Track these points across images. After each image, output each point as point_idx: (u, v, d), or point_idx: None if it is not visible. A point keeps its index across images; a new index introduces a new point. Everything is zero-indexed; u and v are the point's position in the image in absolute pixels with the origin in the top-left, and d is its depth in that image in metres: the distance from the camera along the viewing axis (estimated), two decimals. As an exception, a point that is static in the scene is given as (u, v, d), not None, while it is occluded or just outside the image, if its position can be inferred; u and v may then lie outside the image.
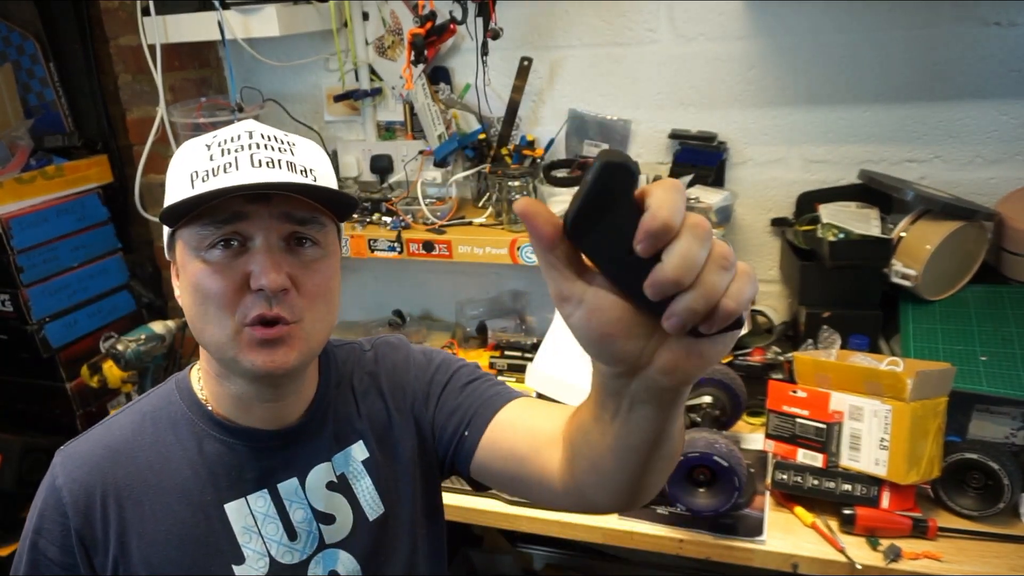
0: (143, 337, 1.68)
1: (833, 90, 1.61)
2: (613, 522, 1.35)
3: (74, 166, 1.92)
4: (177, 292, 0.82)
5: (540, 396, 1.64)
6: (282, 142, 0.79)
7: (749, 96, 1.67)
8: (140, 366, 1.68)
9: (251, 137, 0.78)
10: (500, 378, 1.02)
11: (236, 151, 0.76)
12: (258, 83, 2.02)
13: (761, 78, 1.65)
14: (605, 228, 0.41)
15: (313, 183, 0.77)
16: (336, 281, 0.84)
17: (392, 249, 1.77)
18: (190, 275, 0.77)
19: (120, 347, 1.64)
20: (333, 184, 0.82)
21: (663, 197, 0.42)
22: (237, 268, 0.75)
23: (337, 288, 0.84)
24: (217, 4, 1.66)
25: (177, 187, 0.77)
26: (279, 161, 0.77)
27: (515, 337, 1.91)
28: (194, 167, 0.76)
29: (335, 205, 0.80)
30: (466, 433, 0.89)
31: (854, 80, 1.59)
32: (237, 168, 0.75)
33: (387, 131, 1.99)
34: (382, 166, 1.94)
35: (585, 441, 0.66)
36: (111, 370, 1.68)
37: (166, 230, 0.81)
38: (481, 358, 1.89)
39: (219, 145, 0.77)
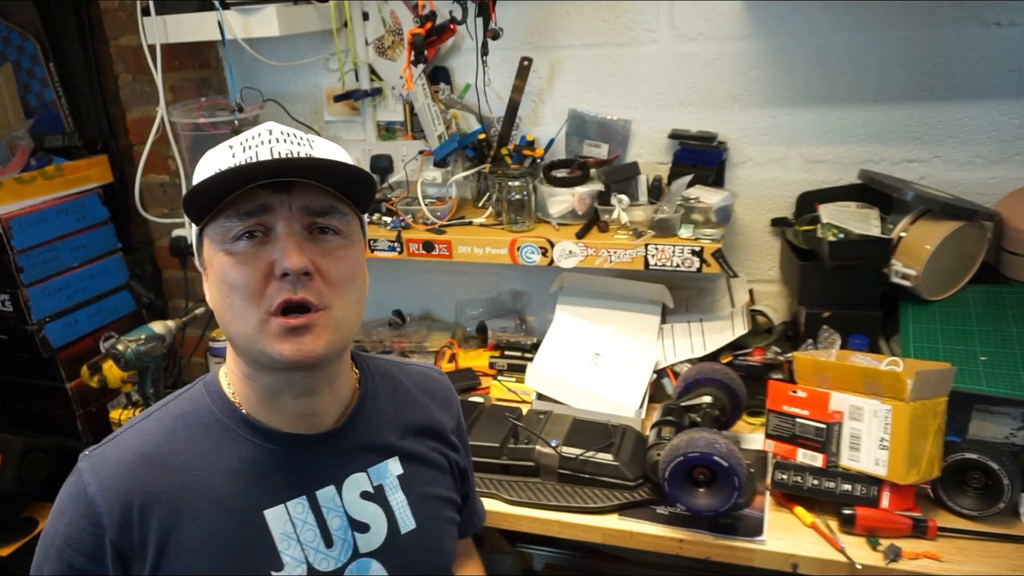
0: (143, 337, 1.67)
1: (833, 90, 1.61)
2: (613, 522, 1.35)
3: (74, 166, 1.92)
4: (208, 296, 0.83)
5: (540, 396, 1.64)
6: (301, 138, 0.82)
7: (749, 96, 1.67)
8: (140, 366, 1.68)
9: (271, 134, 0.81)
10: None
11: (257, 146, 0.79)
12: (258, 83, 2.02)
13: (761, 78, 1.65)
14: None
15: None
16: (362, 271, 0.85)
17: (392, 249, 1.77)
18: (216, 269, 0.78)
19: (120, 347, 1.64)
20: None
21: None
22: (261, 258, 0.77)
23: (364, 277, 0.86)
24: (217, 4, 1.66)
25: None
26: (298, 153, 0.79)
27: (515, 337, 1.91)
28: (218, 165, 0.79)
29: (355, 193, 0.82)
30: None
31: (854, 80, 1.59)
32: (258, 160, 0.78)
33: (387, 131, 1.99)
34: (382, 166, 1.94)
35: None
36: (111, 370, 1.68)
37: (194, 232, 0.82)
38: (481, 358, 1.89)
39: (241, 144, 0.80)
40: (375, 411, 0.93)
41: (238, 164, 0.78)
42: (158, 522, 0.79)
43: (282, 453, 0.84)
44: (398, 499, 0.91)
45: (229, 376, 0.87)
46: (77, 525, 0.78)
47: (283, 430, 0.85)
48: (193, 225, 0.82)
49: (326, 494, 0.86)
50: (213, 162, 0.80)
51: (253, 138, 0.80)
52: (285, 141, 0.80)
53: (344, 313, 0.80)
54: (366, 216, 0.91)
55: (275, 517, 0.83)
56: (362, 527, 0.88)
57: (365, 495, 0.89)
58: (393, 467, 0.92)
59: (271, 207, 0.77)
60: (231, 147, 0.80)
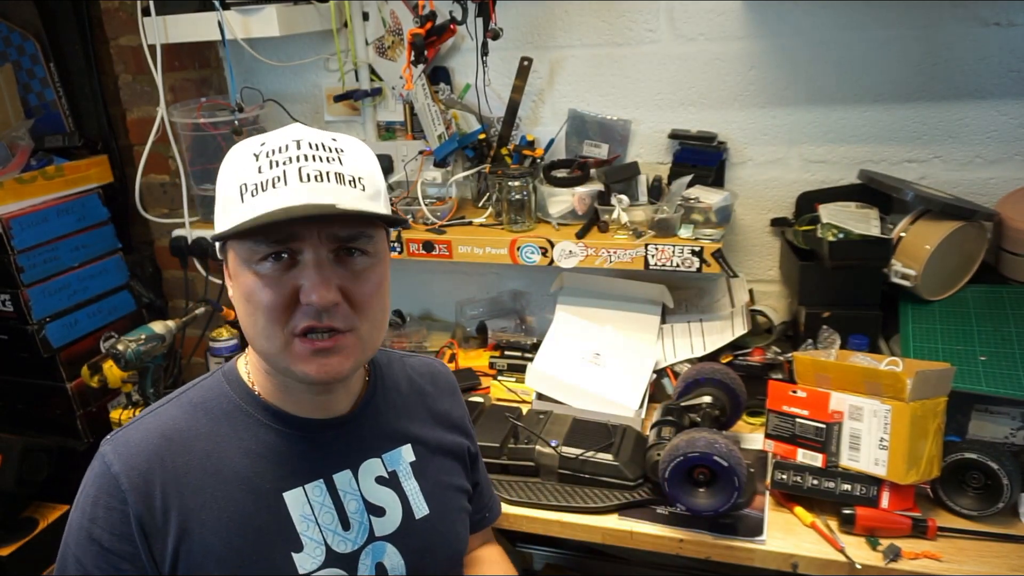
0: (143, 337, 1.67)
1: (833, 90, 1.61)
2: (613, 522, 1.35)
3: (74, 166, 1.92)
4: (230, 292, 0.84)
5: (540, 396, 1.64)
6: (330, 150, 0.80)
7: (749, 96, 1.67)
8: (140, 366, 1.68)
9: (299, 148, 0.78)
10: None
11: (284, 163, 0.77)
12: (258, 83, 2.02)
13: (761, 78, 1.65)
14: None
15: (362, 193, 0.79)
16: (386, 285, 0.86)
17: (392, 249, 1.76)
18: (242, 285, 0.79)
19: (120, 347, 1.64)
20: (381, 185, 0.85)
21: None
22: (287, 282, 0.77)
23: (388, 291, 0.87)
24: (217, 4, 1.66)
25: (228, 199, 0.79)
26: (327, 173, 0.77)
27: (515, 337, 1.91)
28: (243, 179, 0.77)
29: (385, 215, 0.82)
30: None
31: (854, 80, 1.60)
32: (286, 183, 0.75)
33: (387, 131, 1.99)
34: (382, 166, 1.92)
35: None
36: (111, 370, 1.68)
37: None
38: (481, 358, 1.89)
39: (267, 156, 0.78)
40: (385, 399, 0.96)
41: (264, 182, 0.76)
42: (180, 501, 0.81)
43: (299, 437, 0.87)
44: (411, 486, 0.94)
45: (250, 367, 0.90)
46: (103, 503, 0.80)
47: (301, 415, 0.87)
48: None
49: (343, 478, 0.89)
50: (238, 173, 0.78)
51: (280, 152, 0.77)
52: (313, 158, 0.77)
53: (370, 331, 0.83)
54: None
55: (294, 499, 0.85)
56: (378, 511, 0.90)
57: (380, 480, 0.92)
58: (406, 454, 0.95)
59: (299, 235, 0.76)
60: (256, 156, 0.78)
